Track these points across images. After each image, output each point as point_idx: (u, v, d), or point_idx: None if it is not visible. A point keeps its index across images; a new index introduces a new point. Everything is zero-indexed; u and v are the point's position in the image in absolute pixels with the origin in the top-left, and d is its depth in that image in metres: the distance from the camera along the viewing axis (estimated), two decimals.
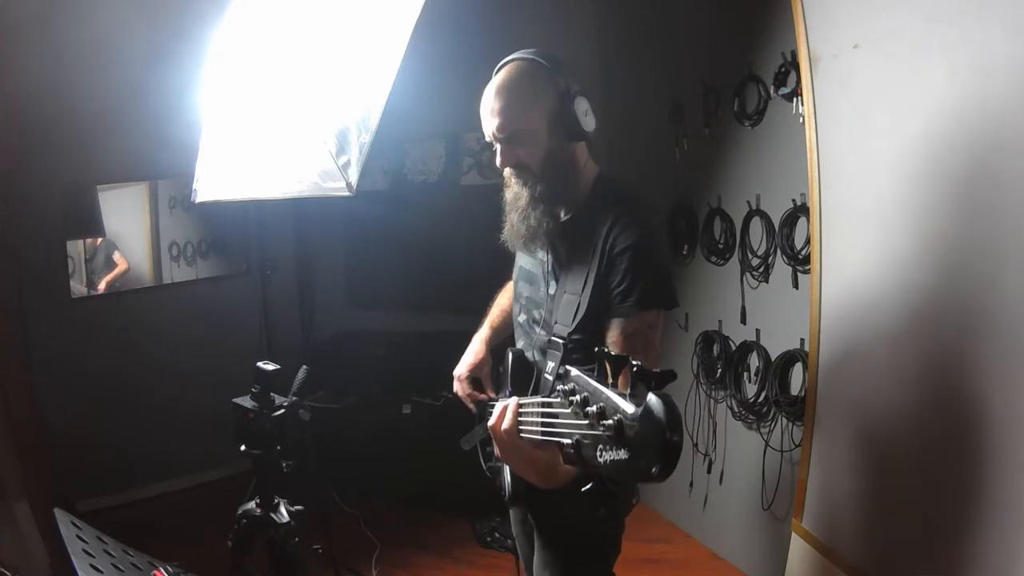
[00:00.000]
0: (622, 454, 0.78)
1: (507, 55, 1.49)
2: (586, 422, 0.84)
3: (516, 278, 1.71)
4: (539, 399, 1.08)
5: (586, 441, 0.85)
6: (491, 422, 1.22)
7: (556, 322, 1.49)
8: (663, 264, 1.49)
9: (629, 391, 0.80)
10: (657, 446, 0.74)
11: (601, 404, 0.82)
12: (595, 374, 0.87)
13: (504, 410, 1.20)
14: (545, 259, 1.57)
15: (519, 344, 1.67)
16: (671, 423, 0.73)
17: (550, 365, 1.47)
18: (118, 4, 3.05)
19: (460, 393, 1.79)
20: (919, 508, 1.91)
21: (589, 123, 1.45)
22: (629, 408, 0.77)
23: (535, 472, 1.24)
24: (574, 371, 0.91)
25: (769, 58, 2.55)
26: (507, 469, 1.56)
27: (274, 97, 1.85)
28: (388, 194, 3.98)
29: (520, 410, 1.17)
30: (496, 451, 1.25)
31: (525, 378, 1.56)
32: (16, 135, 3.08)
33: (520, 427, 1.16)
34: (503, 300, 1.89)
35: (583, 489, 0.91)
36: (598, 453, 0.81)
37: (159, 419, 3.56)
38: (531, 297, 1.63)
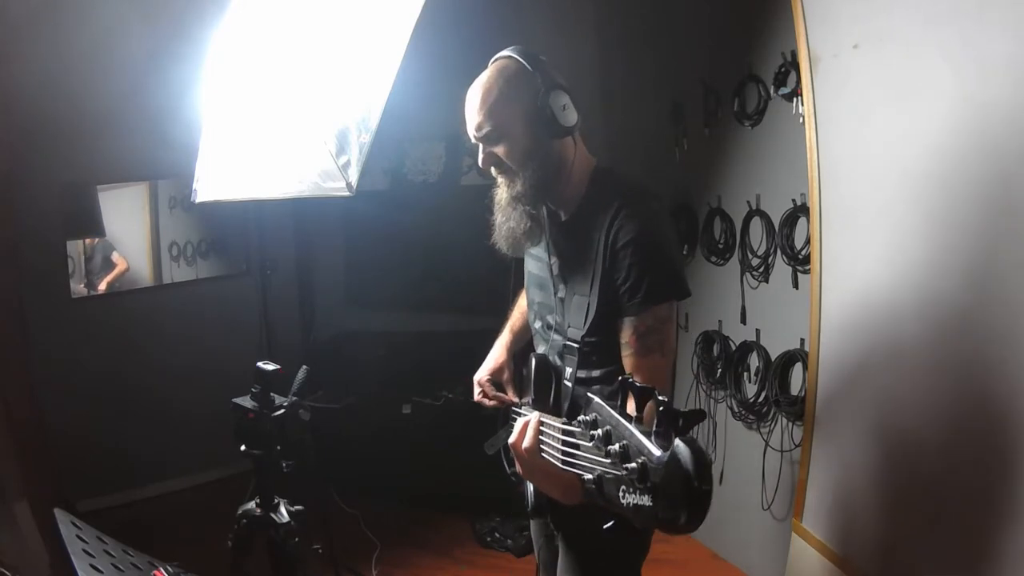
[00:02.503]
0: (646, 500, 0.73)
1: None
2: (608, 460, 0.79)
3: (527, 284, 1.68)
4: (560, 423, 1.04)
5: (608, 478, 0.80)
6: (512, 439, 1.19)
7: (569, 326, 1.45)
8: (669, 254, 1.43)
9: (654, 429, 0.74)
10: (683, 496, 0.69)
11: (624, 443, 0.77)
12: (619, 403, 0.82)
13: (525, 427, 1.17)
14: (550, 262, 1.54)
15: (539, 350, 1.63)
16: (699, 473, 0.68)
17: (568, 371, 1.44)
18: (118, 4, 3.05)
19: (479, 398, 1.75)
20: (920, 508, 1.91)
21: (568, 117, 1.39)
22: (655, 451, 0.72)
23: (556, 489, 1.21)
24: (596, 400, 0.86)
25: (769, 58, 2.55)
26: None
27: (274, 97, 1.85)
28: (388, 194, 3.98)
29: (541, 428, 1.14)
30: (517, 466, 1.23)
31: (547, 384, 1.51)
32: (16, 135, 3.07)
33: (541, 447, 1.13)
34: (523, 302, 1.84)
35: (604, 527, 0.86)
36: (621, 494, 0.77)
37: (159, 419, 3.56)
38: (543, 302, 1.60)
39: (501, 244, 1.53)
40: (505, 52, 1.45)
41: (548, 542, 1.72)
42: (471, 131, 1.45)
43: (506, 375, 1.73)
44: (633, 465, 0.74)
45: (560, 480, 1.16)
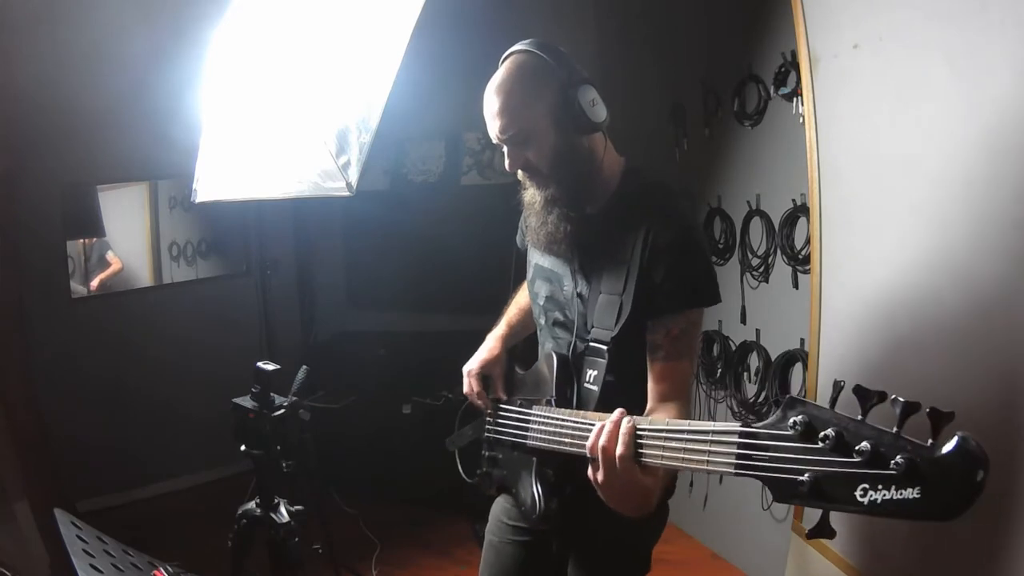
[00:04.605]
0: (910, 494, 0.76)
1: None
2: (854, 459, 0.80)
3: (533, 277, 1.58)
4: (691, 425, 1.02)
5: (834, 479, 0.81)
6: (598, 441, 1.11)
7: (593, 326, 1.38)
8: (707, 259, 1.39)
9: (897, 429, 0.78)
10: (964, 488, 0.73)
11: (872, 441, 0.79)
12: (830, 403, 0.85)
13: (614, 431, 1.10)
14: (571, 256, 1.46)
15: (546, 348, 1.55)
16: (985, 466, 0.74)
17: (591, 373, 1.37)
18: (118, 4, 3.05)
19: (468, 390, 1.65)
20: None
21: (598, 113, 1.34)
22: (940, 447, 0.75)
23: (633, 501, 1.14)
24: (810, 402, 0.87)
25: (769, 58, 2.55)
26: (536, 484, 1.42)
27: (274, 97, 1.85)
28: (388, 194, 3.98)
29: (640, 433, 1.08)
30: (593, 475, 1.14)
31: (569, 385, 1.43)
32: (16, 135, 3.08)
33: (642, 452, 1.08)
34: (522, 298, 1.76)
35: (808, 531, 0.87)
36: (861, 492, 0.79)
37: (159, 419, 3.56)
38: (552, 297, 1.52)
39: (538, 246, 1.48)
40: (521, 46, 1.38)
41: (516, 548, 1.62)
42: (494, 133, 1.38)
43: (497, 369, 1.63)
44: (899, 460, 0.76)
45: (641, 489, 1.12)
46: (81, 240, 3.50)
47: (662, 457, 1.06)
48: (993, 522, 1.67)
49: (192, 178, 2.17)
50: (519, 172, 1.42)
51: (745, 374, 2.81)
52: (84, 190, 3.48)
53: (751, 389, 2.77)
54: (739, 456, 0.94)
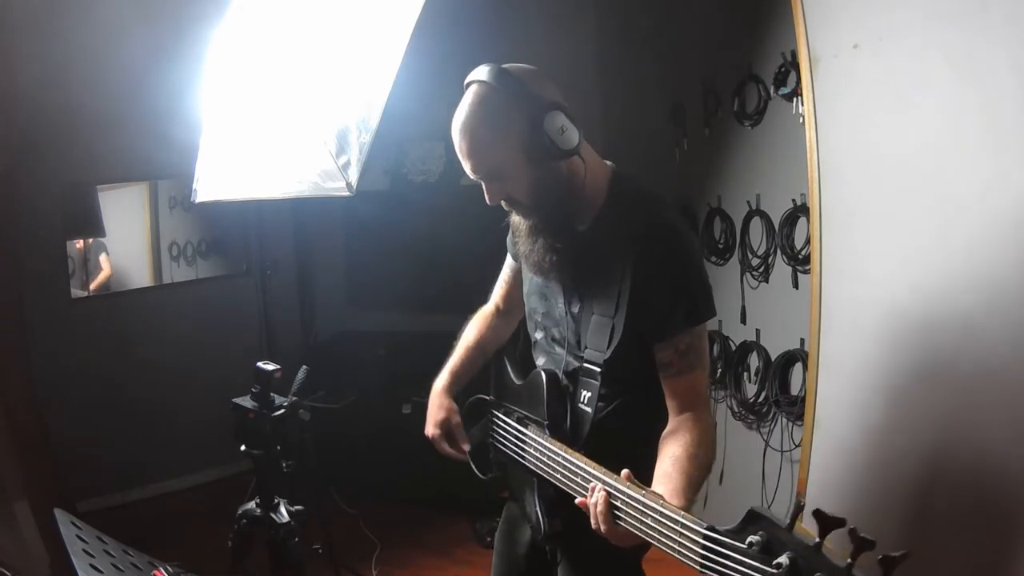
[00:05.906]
0: None
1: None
2: None
3: (528, 292, 1.58)
4: (662, 506, 1.06)
5: None
6: (592, 524, 1.18)
7: (587, 347, 1.38)
8: (703, 273, 1.37)
9: (850, 561, 0.81)
10: None
11: None
12: (789, 524, 0.87)
13: (594, 511, 1.16)
14: (561, 277, 1.45)
15: (540, 362, 1.55)
16: None
17: (585, 395, 1.37)
18: (118, 4, 3.05)
19: (443, 452, 1.64)
20: (921, 509, 1.91)
21: (569, 139, 1.28)
22: None
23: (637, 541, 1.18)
24: (771, 518, 0.90)
25: (769, 58, 2.55)
26: (539, 505, 1.44)
27: (274, 97, 1.85)
28: (388, 194, 3.98)
29: (620, 497, 1.13)
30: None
31: (562, 406, 1.42)
32: (16, 135, 3.07)
33: (619, 517, 1.14)
34: (470, 336, 1.73)
35: None
36: None
37: (159, 419, 3.56)
38: (547, 313, 1.51)
39: (529, 270, 1.48)
40: (481, 75, 1.31)
41: (522, 560, 1.63)
42: (467, 171, 1.36)
43: (455, 420, 1.62)
44: None
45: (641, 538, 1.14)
46: (79, 242, 3.50)
47: (640, 530, 1.10)
48: (999, 524, 1.67)
49: (192, 178, 2.17)
50: (503, 203, 1.40)
51: (745, 374, 2.81)
52: (84, 190, 3.48)
53: (751, 389, 2.77)
54: (703, 556, 0.98)
